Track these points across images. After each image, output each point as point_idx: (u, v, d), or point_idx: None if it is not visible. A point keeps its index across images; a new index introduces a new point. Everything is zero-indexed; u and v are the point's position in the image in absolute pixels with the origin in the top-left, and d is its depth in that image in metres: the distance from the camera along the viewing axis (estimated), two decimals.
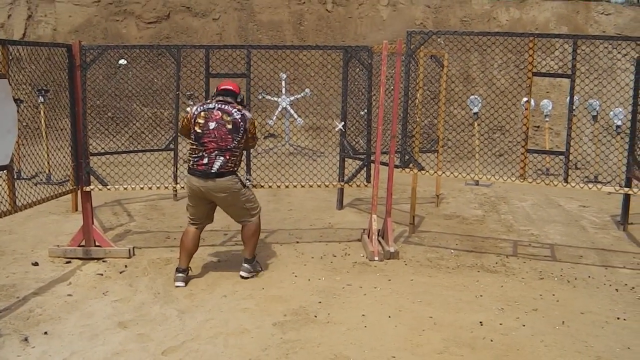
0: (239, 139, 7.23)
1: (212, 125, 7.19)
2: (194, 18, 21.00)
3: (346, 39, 21.15)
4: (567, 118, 8.03)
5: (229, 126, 7.20)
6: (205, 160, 7.17)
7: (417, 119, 9.13)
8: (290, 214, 10.49)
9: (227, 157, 7.18)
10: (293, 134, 16.87)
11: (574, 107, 14.35)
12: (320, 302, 6.65)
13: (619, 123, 13.67)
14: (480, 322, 6.18)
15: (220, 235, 9.00)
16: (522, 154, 7.97)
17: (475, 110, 14.02)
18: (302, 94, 16.20)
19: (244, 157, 7.82)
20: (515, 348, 5.68)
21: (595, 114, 14.24)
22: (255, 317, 6.31)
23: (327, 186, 8.69)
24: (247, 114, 7.35)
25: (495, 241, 9.10)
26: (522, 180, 7.98)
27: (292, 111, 16.66)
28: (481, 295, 6.93)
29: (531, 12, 23.23)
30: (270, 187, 8.56)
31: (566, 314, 6.49)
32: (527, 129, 8.02)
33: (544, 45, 17.54)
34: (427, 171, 8.56)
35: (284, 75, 16.51)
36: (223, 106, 7.30)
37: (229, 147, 7.18)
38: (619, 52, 14.94)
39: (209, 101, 7.46)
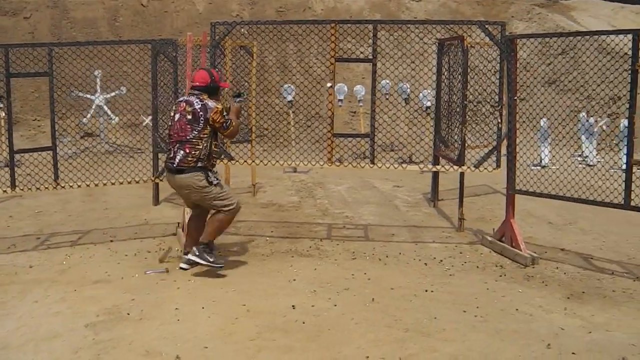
0: (198, 129, 6.98)
1: (176, 117, 7.11)
2: (4, 17, 20.09)
3: (163, 34, 20.79)
4: (371, 101, 8.24)
5: (189, 117, 7.02)
6: (171, 154, 7.09)
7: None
8: (105, 212, 10.23)
9: (187, 151, 6.97)
10: (108, 131, 16.44)
11: (386, 91, 14.92)
12: (133, 300, 6.51)
13: (428, 104, 14.19)
14: (293, 306, 6.23)
15: (32, 240, 8.65)
16: (329, 138, 8.12)
17: (289, 98, 14.19)
18: (116, 92, 15.83)
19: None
20: (327, 328, 5.77)
21: (405, 96, 14.70)
22: (68, 320, 6.09)
23: (137, 182, 8.55)
24: (210, 103, 7.05)
25: (311, 226, 9.24)
26: (329, 164, 8.13)
27: (106, 109, 16.24)
28: (294, 280, 7.02)
29: (345, 0, 23.66)
30: (79, 186, 8.31)
31: (377, 290, 6.67)
32: (332, 114, 8.16)
33: (361, 32, 17.89)
34: (237, 161, 8.57)
35: (99, 72, 16.07)
36: (189, 97, 7.17)
37: (187, 138, 6.97)
38: (429, 38, 15.44)
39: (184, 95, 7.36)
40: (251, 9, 22.86)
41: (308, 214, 9.93)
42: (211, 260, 7.15)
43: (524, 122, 16.30)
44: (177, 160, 6.98)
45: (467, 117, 8.92)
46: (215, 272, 7.19)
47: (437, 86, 9.79)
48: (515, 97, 7.71)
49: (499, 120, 7.96)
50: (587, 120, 14.31)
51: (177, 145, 7.00)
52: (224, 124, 7.10)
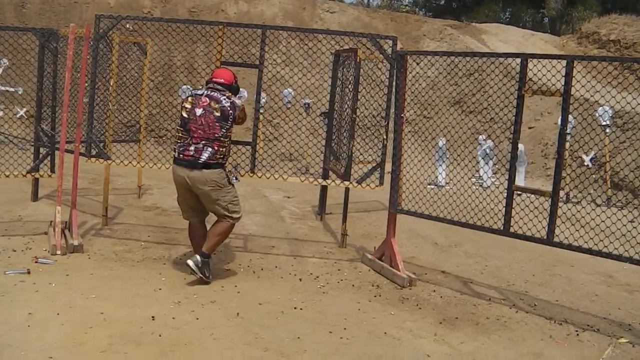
0: (227, 126, 6.89)
1: (198, 111, 6.86)
2: None
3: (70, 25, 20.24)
4: (255, 109, 8.01)
5: (217, 114, 6.85)
6: (192, 149, 6.82)
7: (110, 107, 8.70)
8: None
9: (216, 148, 6.82)
10: (4, 121, 15.77)
11: (288, 100, 14.73)
12: None
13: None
14: (153, 317, 5.91)
15: None
16: None
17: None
18: (15, 89, 15.19)
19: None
20: (184, 342, 5.47)
21: (306, 106, 14.55)
22: None
23: (7, 176, 8.10)
24: (237, 101, 7.02)
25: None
26: None
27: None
28: (160, 289, 6.69)
29: (259, 6, 23.49)
30: None
31: (244, 305, 6.40)
32: None
33: (274, 39, 17.70)
34: (113, 161, 8.20)
35: (6, 61, 15.40)
36: (212, 93, 6.96)
37: (216, 135, 6.81)
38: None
39: (200, 87, 7.00)
40: (163, 7, 22.50)
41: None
42: (207, 275, 6.97)
43: (425, 139, 16.38)
44: (204, 157, 6.80)
45: (358, 131, 8.76)
46: (78, 277, 6.82)
47: (330, 98, 9.61)
48: (402, 115, 7.56)
49: (384, 137, 7.80)
50: (485, 142, 14.39)
51: (204, 142, 6.80)
52: (244, 118, 7.24)
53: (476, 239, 9.41)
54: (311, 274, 7.60)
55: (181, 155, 6.89)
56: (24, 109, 7.97)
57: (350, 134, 8.16)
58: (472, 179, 14.00)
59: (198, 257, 6.92)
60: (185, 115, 6.89)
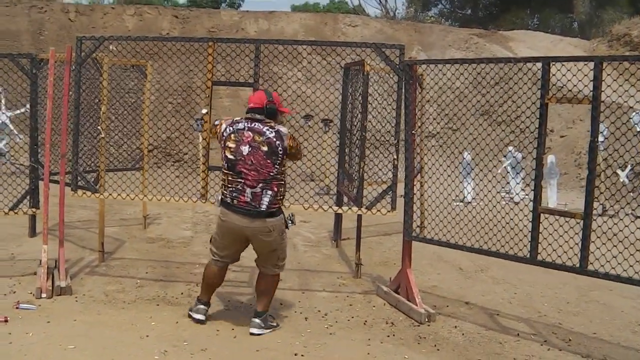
0: (279, 161, 5.97)
1: (245, 149, 5.95)
2: None
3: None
4: None
5: (264, 148, 5.94)
6: (249, 195, 5.94)
7: (102, 134, 8.03)
8: None
9: (275, 190, 5.97)
10: (15, 151, 15.28)
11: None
12: None
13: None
14: None
15: None
16: (203, 171, 7.15)
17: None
18: (24, 109, 14.70)
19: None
20: None
21: (307, 118, 13.99)
22: None
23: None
24: (282, 129, 6.01)
25: (192, 266, 8.25)
26: (203, 201, 7.16)
27: (12, 127, 15.08)
28: (147, 336, 5.98)
29: (279, 23, 23.01)
30: None
31: (238, 353, 5.71)
32: (208, 144, 7.21)
33: (291, 55, 17.11)
34: (101, 194, 7.54)
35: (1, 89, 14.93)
36: (253, 125, 6.01)
37: (271, 174, 5.93)
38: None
39: (238, 119, 6.16)
40: (182, 28, 22.09)
41: (195, 252, 8.95)
42: (274, 324, 6.34)
43: (452, 153, 15.62)
44: (265, 203, 5.93)
45: (372, 148, 8.05)
46: (59, 324, 6.16)
47: (341, 116, 8.93)
48: (414, 131, 6.85)
49: (395, 157, 7.05)
50: (514, 154, 13.61)
51: (261, 184, 5.91)
52: (298, 151, 6.22)
53: (505, 262, 8.57)
54: (319, 311, 6.86)
55: (235, 201, 5.98)
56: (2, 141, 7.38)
57: (361, 153, 7.44)
58: (501, 193, 13.17)
59: (256, 320, 6.18)
60: (230, 156, 5.99)
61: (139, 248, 9.14)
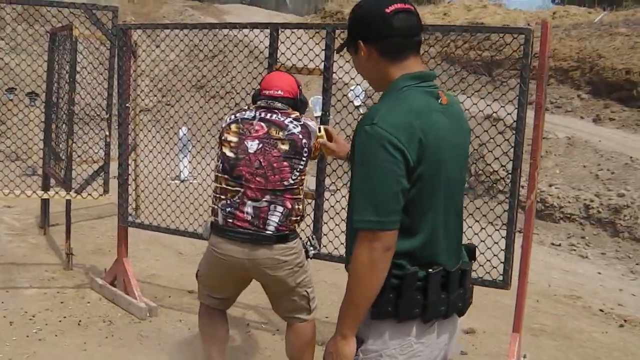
0: (301, 166, 4.16)
1: (251, 145, 4.13)
2: None
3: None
4: None
5: (284, 147, 4.13)
6: (250, 212, 4.06)
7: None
8: None
9: (290, 205, 4.12)
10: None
11: None
12: None
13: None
14: None
15: None
16: None
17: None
18: None
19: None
20: None
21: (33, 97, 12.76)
22: None
23: None
24: (310, 122, 4.24)
25: None
26: None
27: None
28: None
29: None
30: None
31: None
32: None
33: None
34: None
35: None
36: (269, 115, 4.21)
37: (285, 184, 4.10)
38: None
39: (245, 107, 4.34)
40: None
41: None
42: None
43: (170, 129, 14.90)
44: (273, 224, 4.08)
45: (80, 126, 7.22)
46: None
47: (47, 87, 7.99)
48: (128, 104, 6.12)
49: (107, 134, 6.29)
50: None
51: (269, 196, 4.08)
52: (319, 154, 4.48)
53: None
54: (26, 312, 5.90)
55: (229, 222, 4.12)
56: None
57: (69, 130, 6.59)
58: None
59: None
60: (229, 153, 4.20)
61: None
